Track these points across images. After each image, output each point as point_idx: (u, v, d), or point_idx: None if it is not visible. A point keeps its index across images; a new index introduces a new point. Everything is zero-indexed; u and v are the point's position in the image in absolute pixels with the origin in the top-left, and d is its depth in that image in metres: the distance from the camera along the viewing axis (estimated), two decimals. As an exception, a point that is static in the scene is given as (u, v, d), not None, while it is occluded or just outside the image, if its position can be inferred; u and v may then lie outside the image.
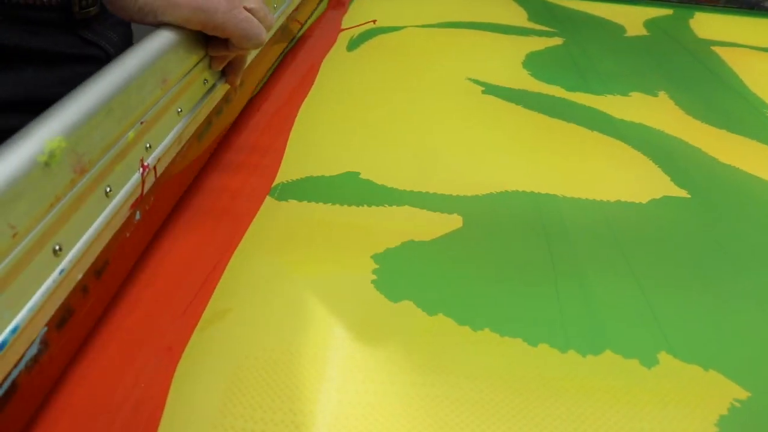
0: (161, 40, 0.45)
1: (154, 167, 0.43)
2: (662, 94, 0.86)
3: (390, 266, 0.48)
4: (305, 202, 0.56)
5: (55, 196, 0.31)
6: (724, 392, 0.40)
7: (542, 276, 0.48)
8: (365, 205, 0.55)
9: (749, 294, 0.49)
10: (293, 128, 0.69)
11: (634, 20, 1.21)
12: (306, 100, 0.76)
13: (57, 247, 0.32)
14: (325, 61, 0.89)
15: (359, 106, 0.75)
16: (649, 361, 0.42)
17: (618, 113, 0.78)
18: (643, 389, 0.40)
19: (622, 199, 0.59)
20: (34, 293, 0.30)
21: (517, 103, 0.78)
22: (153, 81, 0.42)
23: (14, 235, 0.28)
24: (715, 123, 0.78)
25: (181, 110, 0.48)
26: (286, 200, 0.56)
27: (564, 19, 1.17)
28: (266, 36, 0.52)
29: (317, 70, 0.85)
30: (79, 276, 0.35)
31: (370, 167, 0.61)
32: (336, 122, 0.71)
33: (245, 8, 0.50)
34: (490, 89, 0.82)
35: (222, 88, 0.56)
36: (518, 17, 1.16)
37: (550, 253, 0.51)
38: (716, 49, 1.07)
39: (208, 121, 0.55)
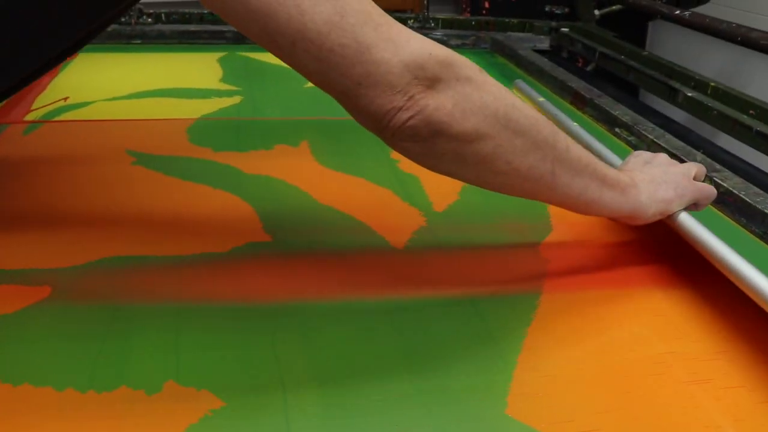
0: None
1: None
2: (303, 144, 1.00)
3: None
4: None
5: None
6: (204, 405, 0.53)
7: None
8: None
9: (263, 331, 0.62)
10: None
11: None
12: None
13: None
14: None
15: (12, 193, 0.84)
16: (154, 389, 0.54)
17: (250, 169, 0.91)
18: (139, 413, 0.51)
19: (206, 251, 0.72)
20: None
21: (157, 170, 0.89)
22: None
23: None
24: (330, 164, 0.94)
25: None
26: None
27: (255, 76, 1.31)
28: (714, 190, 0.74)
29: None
30: None
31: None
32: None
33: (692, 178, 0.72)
34: (143, 159, 0.93)
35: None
36: (212, 79, 1.29)
37: (113, 315, 0.62)
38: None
39: None
